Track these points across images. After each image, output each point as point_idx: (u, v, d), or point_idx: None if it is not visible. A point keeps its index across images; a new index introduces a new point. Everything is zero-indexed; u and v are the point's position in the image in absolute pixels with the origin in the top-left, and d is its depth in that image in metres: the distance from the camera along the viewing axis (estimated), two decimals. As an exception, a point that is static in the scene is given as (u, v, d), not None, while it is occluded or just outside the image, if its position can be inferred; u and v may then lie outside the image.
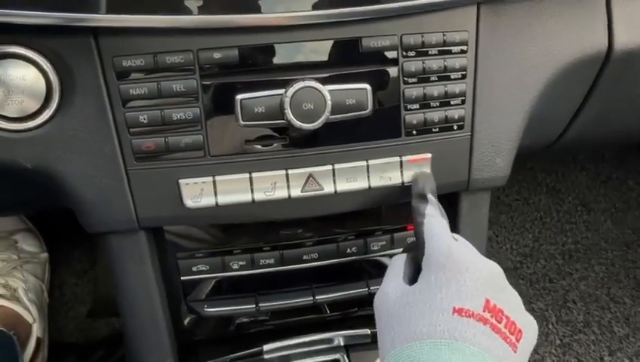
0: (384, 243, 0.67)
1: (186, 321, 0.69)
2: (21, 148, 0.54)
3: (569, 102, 0.69)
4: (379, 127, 0.58)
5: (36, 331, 1.13)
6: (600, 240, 1.49)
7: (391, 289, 0.49)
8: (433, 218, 0.52)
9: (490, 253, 1.46)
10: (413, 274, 0.50)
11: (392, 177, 0.59)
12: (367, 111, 0.56)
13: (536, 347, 1.28)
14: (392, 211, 0.67)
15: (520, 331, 0.45)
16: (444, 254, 0.47)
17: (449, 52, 0.58)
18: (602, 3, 0.62)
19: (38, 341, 1.14)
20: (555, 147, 0.77)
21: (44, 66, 0.53)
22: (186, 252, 0.64)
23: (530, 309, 1.33)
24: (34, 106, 0.53)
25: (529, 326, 0.47)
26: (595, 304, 1.35)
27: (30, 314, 1.12)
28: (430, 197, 0.54)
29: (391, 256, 0.68)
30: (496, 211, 1.51)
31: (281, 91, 0.54)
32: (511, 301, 0.47)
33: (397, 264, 0.52)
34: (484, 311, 0.44)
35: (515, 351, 0.44)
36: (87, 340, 1.31)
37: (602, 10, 0.62)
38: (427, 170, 0.60)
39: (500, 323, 0.44)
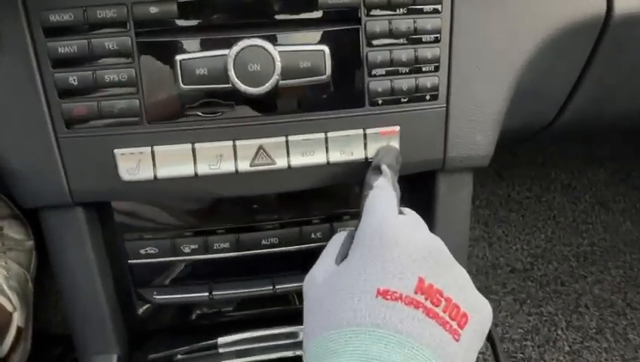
0: (353, 228, 0.60)
1: (140, 310, 0.63)
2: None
3: (564, 75, 0.62)
4: (339, 95, 0.52)
5: (17, 320, 1.10)
6: (618, 241, 1.40)
7: (320, 270, 0.43)
8: (379, 190, 0.45)
9: (498, 253, 1.38)
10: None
11: (354, 152, 0.53)
12: (325, 76, 0.50)
13: (542, 353, 1.21)
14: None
15: (465, 315, 0.38)
16: (373, 227, 0.41)
17: (420, 11, 0.51)
18: (600, -41, 0.55)
19: (19, 330, 1.10)
20: (553, 129, 0.69)
21: (-32, 23, 0.48)
22: (134, 233, 0.59)
23: (538, 313, 1.25)
24: (-40, 66, 0.49)
25: (478, 310, 0.40)
26: (609, 309, 1.26)
27: (10, 302, 1.09)
28: (385, 168, 0.48)
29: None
30: (506, 208, 1.43)
31: (226, 52, 0.48)
32: (457, 280, 0.40)
33: (334, 242, 0.46)
34: (415, 292, 0.37)
35: (457, 339, 0.37)
36: (75, 332, 1.28)
37: (600, -33, 0.55)
38: (395, 144, 0.53)
39: (436, 306, 0.37)
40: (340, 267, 0.42)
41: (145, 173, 0.51)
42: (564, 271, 1.36)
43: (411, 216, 0.46)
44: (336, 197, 0.61)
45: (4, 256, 1.14)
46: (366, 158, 0.53)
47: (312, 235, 0.60)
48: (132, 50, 0.48)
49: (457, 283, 0.40)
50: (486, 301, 0.41)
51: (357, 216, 0.60)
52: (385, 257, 0.39)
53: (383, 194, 0.45)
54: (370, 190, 0.46)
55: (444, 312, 0.38)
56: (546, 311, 1.26)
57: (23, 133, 0.50)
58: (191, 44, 0.49)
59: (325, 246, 0.57)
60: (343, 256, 0.44)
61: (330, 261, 0.44)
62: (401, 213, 0.46)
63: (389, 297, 0.37)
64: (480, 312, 0.40)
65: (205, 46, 0.49)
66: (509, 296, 1.29)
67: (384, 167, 0.48)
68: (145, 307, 0.64)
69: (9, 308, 1.08)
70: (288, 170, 0.52)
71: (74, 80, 0.49)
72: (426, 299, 0.37)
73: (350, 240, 0.44)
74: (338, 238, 0.47)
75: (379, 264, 0.39)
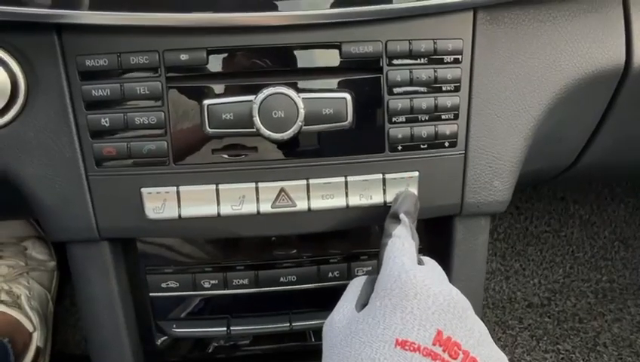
0: (370, 269, 0.61)
1: (158, 342, 0.65)
2: (-21, 147, 0.52)
3: (582, 123, 0.62)
4: (360, 141, 0.53)
5: (36, 340, 1.12)
6: (638, 279, 1.38)
7: (339, 315, 0.44)
8: (398, 239, 0.46)
9: (515, 287, 1.37)
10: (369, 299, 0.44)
11: (373, 196, 0.54)
12: (347, 122, 0.52)
13: (560, 392, 1.19)
14: (380, 234, 0.62)
15: None
16: (393, 277, 0.42)
17: (440, 61, 0.53)
18: (619, 12, 0.56)
19: (38, 350, 1.12)
20: (571, 173, 0.70)
21: (10, 64, 0.51)
22: (156, 266, 0.60)
23: (555, 350, 1.24)
24: (-2, 105, 0.51)
25: None
26: (628, 349, 1.24)
27: (31, 322, 1.11)
28: (403, 217, 0.49)
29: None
30: (524, 242, 1.43)
31: (251, 97, 0.50)
32: (473, 334, 0.40)
33: (353, 287, 0.47)
34: (434, 344, 0.38)
35: None
36: (92, 352, 1.29)
37: (619, 20, 0.56)
38: (414, 190, 0.54)
39: (454, 359, 0.38)
40: (360, 314, 0.42)
41: (170, 212, 0.52)
42: (582, 308, 1.34)
43: (430, 265, 0.46)
44: (355, 237, 0.62)
45: (26, 276, 1.16)
46: (385, 203, 0.54)
47: (330, 274, 0.61)
48: (162, 95, 0.50)
49: (475, 336, 0.40)
50: (503, 355, 0.41)
51: (375, 256, 0.61)
52: (405, 308, 0.40)
53: (402, 243, 0.46)
54: (389, 238, 0.47)
55: None
56: (563, 349, 1.25)
57: (55, 169, 0.52)
58: (218, 89, 0.51)
59: (342, 285, 0.58)
60: (362, 302, 0.44)
61: (350, 306, 0.44)
62: (420, 262, 0.46)
63: (407, 348, 0.38)
64: None
65: (232, 92, 0.51)
66: (526, 332, 1.27)
67: (402, 216, 0.49)
68: (163, 339, 0.65)
69: (29, 327, 1.10)
70: (308, 213, 0.53)
71: (106, 121, 0.51)
72: (444, 350, 0.38)
73: (370, 286, 0.45)
74: (357, 283, 0.47)
75: (398, 314, 0.40)
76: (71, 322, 1.31)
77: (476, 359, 0.38)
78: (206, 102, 0.50)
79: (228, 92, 0.51)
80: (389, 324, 0.39)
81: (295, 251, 0.61)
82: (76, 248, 0.56)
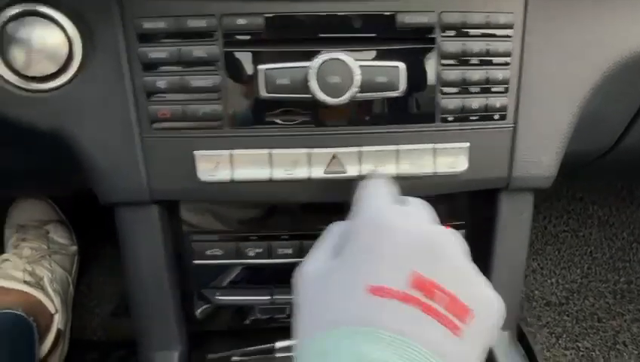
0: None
1: (198, 310, 0.65)
2: (38, 109, 0.53)
3: (626, 104, 0.63)
4: (412, 110, 0.54)
5: (57, 322, 1.12)
6: (657, 281, 1.38)
7: (311, 265, 0.40)
8: (372, 181, 0.44)
9: (533, 286, 1.37)
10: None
11: (423, 165, 0.54)
12: (399, 91, 0.52)
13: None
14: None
15: (465, 308, 0.35)
16: (366, 219, 0.38)
17: (492, 34, 0.53)
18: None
19: (59, 332, 1.12)
20: (608, 158, 0.70)
21: (67, 27, 0.51)
22: (201, 234, 0.61)
23: (575, 348, 1.24)
24: (54, 67, 0.52)
25: (483, 303, 0.36)
26: (648, 349, 1.24)
27: (53, 304, 1.11)
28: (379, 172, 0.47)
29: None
30: (542, 241, 1.43)
31: (307, 63, 0.50)
32: (456, 272, 0.36)
33: (329, 234, 0.43)
34: (410, 287, 0.35)
35: (458, 334, 0.34)
36: (110, 339, 1.30)
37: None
38: (464, 161, 0.55)
39: (432, 299, 0.35)
40: (333, 262, 0.39)
41: (222, 175, 0.53)
42: (601, 308, 1.34)
43: (414, 204, 0.42)
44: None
45: (49, 259, 1.17)
46: (435, 173, 0.54)
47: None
48: (219, 58, 0.51)
49: (457, 276, 0.36)
50: (494, 295, 0.38)
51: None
52: (377, 251, 0.36)
53: (375, 185, 0.43)
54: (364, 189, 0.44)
55: (442, 306, 0.35)
56: (582, 347, 1.24)
57: (109, 131, 0.53)
58: (274, 55, 0.51)
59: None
60: (338, 249, 0.40)
61: (323, 255, 0.41)
62: (404, 203, 0.43)
63: (382, 294, 0.35)
64: (485, 305, 0.37)
65: (288, 57, 0.51)
66: (545, 329, 1.27)
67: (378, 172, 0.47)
68: (204, 307, 0.65)
69: (52, 309, 1.11)
70: (359, 180, 0.54)
71: (162, 84, 0.51)
72: (423, 293, 0.35)
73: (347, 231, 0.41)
74: (335, 230, 0.44)
75: (371, 258, 0.36)
76: (88, 308, 1.31)
77: (457, 298, 0.35)
78: (262, 67, 0.51)
79: (284, 57, 0.51)
80: (361, 269, 0.36)
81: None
82: (125, 211, 0.56)
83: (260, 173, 0.53)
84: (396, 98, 0.53)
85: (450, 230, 0.40)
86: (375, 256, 0.37)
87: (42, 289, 1.11)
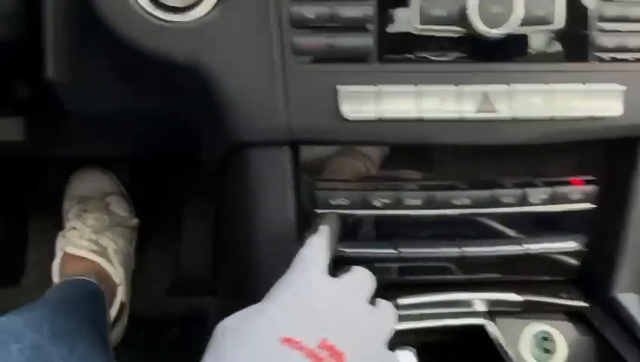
0: (545, 196, 0.59)
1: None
2: (176, 40, 0.50)
3: None
4: (567, 47, 0.51)
5: (121, 294, 1.10)
6: None
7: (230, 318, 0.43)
8: (310, 248, 0.47)
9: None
10: None
11: (577, 107, 0.51)
12: (556, 25, 0.50)
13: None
14: (559, 160, 0.59)
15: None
16: (293, 283, 0.43)
17: (656, -33, 0.50)
18: None
19: (122, 305, 1.10)
20: None
21: (208, -49, 0.49)
22: (325, 182, 0.58)
23: None
24: (193, -3, 0.49)
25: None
26: None
27: (118, 275, 1.09)
28: (322, 227, 0.50)
29: (550, 212, 0.60)
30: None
31: (467, -7, 0.48)
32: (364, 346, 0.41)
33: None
34: (320, 347, 0.38)
35: None
36: (163, 316, 1.27)
37: None
38: (619, 103, 0.52)
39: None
40: (249, 310, 0.42)
41: (368, 113, 0.50)
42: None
43: (347, 279, 0.46)
44: (530, 162, 0.59)
45: (112, 230, 1.14)
46: (589, 117, 0.52)
47: (504, 199, 0.58)
48: None
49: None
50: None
51: (550, 185, 0.59)
52: (295, 310, 0.40)
53: (312, 253, 0.46)
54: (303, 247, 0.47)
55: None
56: None
57: (250, 63, 0.50)
58: (429, -16, 0.49)
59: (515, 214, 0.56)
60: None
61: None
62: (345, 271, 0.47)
63: (292, 345, 0.37)
64: None
65: (444, -13, 0.49)
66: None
67: (321, 226, 0.50)
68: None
69: (117, 280, 1.09)
70: (510, 122, 0.51)
71: (310, 13, 0.49)
72: (330, 355, 0.37)
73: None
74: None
75: (288, 314, 0.40)
76: (140, 284, 1.29)
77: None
78: (417, -5, 0.48)
79: (440, -14, 0.49)
80: (276, 322, 0.39)
81: (468, 174, 0.58)
82: (256, 153, 0.54)
83: (408, 110, 0.50)
84: (552, 33, 0.50)
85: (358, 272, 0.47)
86: (293, 315, 0.40)
87: (108, 259, 1.09)
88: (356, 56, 0.50)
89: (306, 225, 0.59)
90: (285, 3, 0.49)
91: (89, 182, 1.21)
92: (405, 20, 0.49)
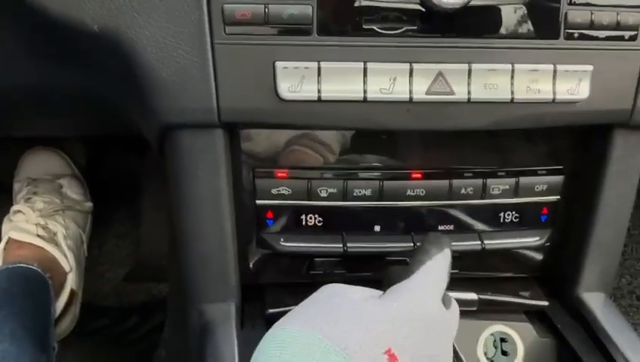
0: (506, 187, 0.54)
1: (252, 260, 0.57)
2: (90, 5, 0.44)
3: None
4: (533, 23, 0.46)
5: (71, 282, 1.04)
6: (697, 260, 1.32)
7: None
8: (434, 268, 0.43)
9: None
10: None
11: (541, 90, 0.46)
12: (520, -3, 0.44)
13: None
14: (522, 148, 0.54)
15: None
16: (414, 306, 0.40)
17: None
18: None
19: (72, 293, 1.04)
20: None
21: None
22: (266, 169, 0.52)
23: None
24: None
25: None
26: (693, 327, 1.18)
27: (67, 261, 1.03)
28: (447, 251, 0.45)
29: (512, 205, 0.55)
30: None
31: (420, -44, 0.42)
32: None
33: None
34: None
35: None
36: (123, 304, 1.22)
37: None
38: (585, 87, 0.47)
39: None
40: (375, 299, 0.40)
41: (308, 92, 0.45)
42: (639, 286, 1.28)
43: (453, 309, 0.44)
44: (491, 150, 0.54)
45: (62, 214, 1.08)
46: (553, 100, 0.47)
47: (462, 190, 0.53)
48: None
49: None
50: None
51: (514, 174, 0.54)
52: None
53: (435, 275, 0.43)
54: (429, 259, 0.43)
55: None
56: (625, 325, 1.18)
57: (176, 34, 0.44)
58: (378, -55, 0.43)
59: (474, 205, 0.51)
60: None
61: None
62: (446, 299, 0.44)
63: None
64: None
65: (394, -51, 0.43)
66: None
67: (447, 250, 0.45)
68: (258, 256, 0.57)
69: (66, 267, 1.03)
70: (466, 104, 0.46)
71: (242, -23, 0.43)
72: None
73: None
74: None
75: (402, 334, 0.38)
76: (99, 272, 1.23)
77: None
78: (363, -41, 0.43)
79: (390, -51, 0.43)
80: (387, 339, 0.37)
81: (424, 163, 0.53)
82: (185, 136, 0.48)
83: (353, 90, 0.45)
84: (517, 5, 0.44)
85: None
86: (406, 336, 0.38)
87: (56, 244, 1.02)
88: (294, 28, 0.44)
89: (247, 218, 0.54)
90: (214, -35, 0.43)
91: (40, 163, 1.14)
92: (350, -13, 0.43)
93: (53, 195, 1.09)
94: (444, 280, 0.44)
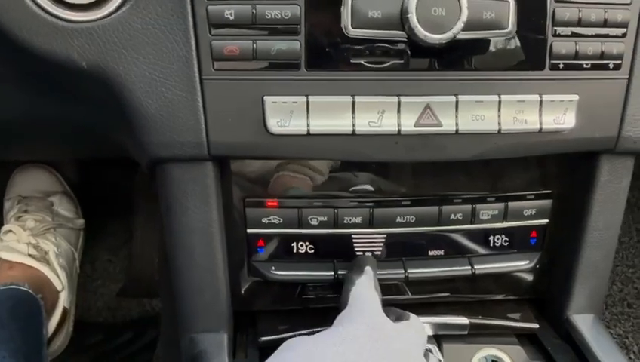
0: (495, 212, 0.54)
1: (244, 287, 0.57)
2: (78, 42, 0.44)
3: None
4: (519, 55, 0.46)
5: (63, 300, 1.03)
6: (686, 267, 1.33)
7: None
8: (363, 287, 0.47)
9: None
10: None
11: (527, 120, 0.47)
12: (508, 30, 0.45)
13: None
14: (511, 173, 0.55)
15: None
16: (364, 324, 0.43)
17: (613, -31, 0.46)
18: None
19: (65, 311, 1.04)
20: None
21: (114, -57, 0.42)
22: (257, 198, 0.52)
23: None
24: (98, -8, 0.43)
25: None
26: (684, 334, 1.19)
27: (59, 280, 1.03)
28: (368, 269, 0.50)
29: (502, 229, 0.55)
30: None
31: (404, -7, 0.42)
32: None
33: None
34: None
35: None
36: (116, 320, 1.22)
37: None
38: (571, 116, 0.47)
39: None
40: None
41: (296, 127, 0.45)
42: (630, 293, 1.29)
43: (408, 323, 0.47)
44: (480, 176, 0.55)
45: (54, 232, 1.08)
46: (540, 130, 0.47)
47: (452, 216, 0.54)
48: None
49: None
50: None
51: (502, 199, 0.54)
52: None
53: (367, 291, 0.47)
54: (354, 285, 0.47)
55: None
56: (615, 333, 1.19)
57: (164, 69, 0.44)
58: (364, -18, 0.43)
59: (464, 230, 0.53)
60: None
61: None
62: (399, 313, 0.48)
63: None
64: None
65: (380, -15, 0.43)
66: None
67: (367, 268, 0.49)
68: (249, 284, 0.57)
69: (58, 286, 1.02)
70: (454, 136, 0.46)
71: (230, 14, 0.43)
72: None
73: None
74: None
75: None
76: (92, 288, 1.23)
77: None
78: (349, -5, 0.43)
79: (376, -16, 0.43)
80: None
81: (414, 190, 0.54)
82: (174, 169, 0.48)
83: (342, 124, 0.45)
84: (503, 39, 0.45)
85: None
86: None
87: (48, 263, 1.02)
88: (283, 63, 0.44)
89: (238, 246, 0.54)
90: (201, 2, 0.43)
91: (31, 181, 1.13)
92: (337, 22, 0.43)
93: (45, 213, 1.09)
94: (374, 296, 0.47)
